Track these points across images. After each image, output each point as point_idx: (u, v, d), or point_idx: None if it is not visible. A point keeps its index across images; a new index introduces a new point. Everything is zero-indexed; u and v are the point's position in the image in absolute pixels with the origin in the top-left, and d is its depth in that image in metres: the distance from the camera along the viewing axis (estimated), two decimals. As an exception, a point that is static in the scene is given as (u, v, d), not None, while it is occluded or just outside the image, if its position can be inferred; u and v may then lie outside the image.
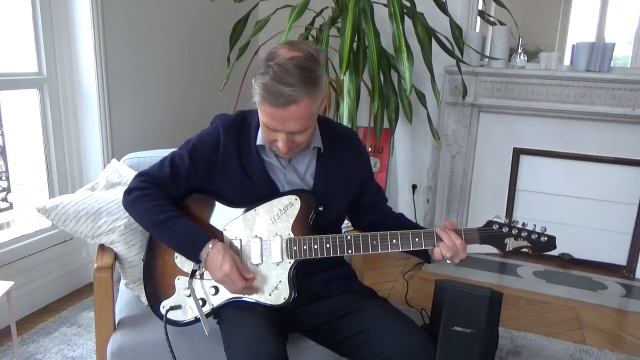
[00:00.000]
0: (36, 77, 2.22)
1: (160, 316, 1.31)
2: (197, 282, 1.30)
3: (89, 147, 2.41)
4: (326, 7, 2.75)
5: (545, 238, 1.25)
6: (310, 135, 1.25)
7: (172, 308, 1.30)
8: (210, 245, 1.23)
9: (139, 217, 1.31)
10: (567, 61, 3.00)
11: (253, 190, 1.31)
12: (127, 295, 1.57)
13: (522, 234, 1.25)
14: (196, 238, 1.25)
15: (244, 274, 1.24)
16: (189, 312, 1.30)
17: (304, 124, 1.18)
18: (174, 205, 1.30)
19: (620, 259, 2.93)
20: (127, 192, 1.32)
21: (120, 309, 1.50)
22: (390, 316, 1.26)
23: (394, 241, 1.25)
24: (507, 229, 1.26)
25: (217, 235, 1.30)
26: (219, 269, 1.21)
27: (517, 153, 3.01)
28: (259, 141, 1.30)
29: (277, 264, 1.27)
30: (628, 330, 2.33)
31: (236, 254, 1.26)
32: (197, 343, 1.35)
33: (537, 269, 2.92)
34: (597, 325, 2.36)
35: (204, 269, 1.27)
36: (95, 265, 1.41)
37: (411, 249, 1.26)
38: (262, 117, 1.20)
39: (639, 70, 2.91)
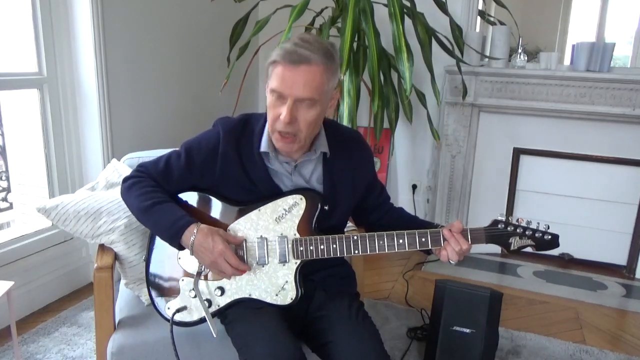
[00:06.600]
0: (36, 77, 2.22)
1: (166, 318, 1.31)
2: (201, 283, 1.30)
3: (89, 147, 2.41)
4: (326, 7, 2.75)
5: (549, 237, 1.26)
6: (314, 121, 1.23)
7: (178, 310, 1.29)
8: (195, 230, 1.21)
9: (129, 204, 1.32)
10: (567, 61, 3.00)
11: (257, 193, 1.31)
12: (127, 295, 1.56)
13: (527, 233, 1.26)
14: (177, 222, 1.23)
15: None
16: (195, 312, 1.30)
17: (311, 92, 1.18)
18: (165, 193, 1.30)
19: (620, 259, 2.93)
20: (124, 181, 1.35)
21: (120, 309, 1.50)
22: (351, 332, 1.26)
23: (401, 241, 1.26)
24: (512, 228, 1.26)
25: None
26: (211, 251, 1.20)
27: (517, 153, 3.01)
28: (262, 148, 1.29)
29: (283, 264, 1.27)
30: (628, 330, 2.33)
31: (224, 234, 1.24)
32: (198, 342, 1.35)
33: (537, 269, 2.92)
34: (597, 325, 2.36)
35: (195, 259, 1.25)
36: (95, 265, 1.41)
37: (417, 248, 1.27)
38: (272, 84, 1.20)
39: (639, 70, 2.91)
